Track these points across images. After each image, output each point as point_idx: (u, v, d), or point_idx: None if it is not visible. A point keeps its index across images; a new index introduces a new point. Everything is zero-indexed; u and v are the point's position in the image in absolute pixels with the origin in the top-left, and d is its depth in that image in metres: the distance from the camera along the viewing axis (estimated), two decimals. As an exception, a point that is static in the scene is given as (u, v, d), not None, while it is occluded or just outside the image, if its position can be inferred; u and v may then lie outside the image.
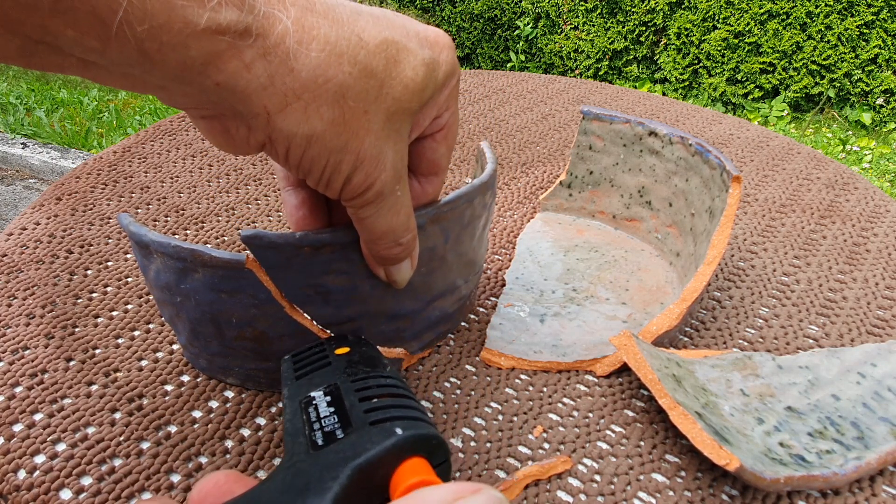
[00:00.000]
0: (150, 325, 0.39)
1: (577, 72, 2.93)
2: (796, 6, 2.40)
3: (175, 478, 0.30)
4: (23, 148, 2.43)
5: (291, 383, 0.26)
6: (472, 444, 0.32)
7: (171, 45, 0.19)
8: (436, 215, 0.31)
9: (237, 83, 0.21)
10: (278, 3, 0.21)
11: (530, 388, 0.36)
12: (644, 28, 2.71)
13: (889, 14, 2.31)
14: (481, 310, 0.42)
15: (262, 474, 0.30)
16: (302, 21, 0.22)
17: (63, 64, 0.19)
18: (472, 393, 0.35)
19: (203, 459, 0.31)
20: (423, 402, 0.35)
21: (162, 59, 0.19)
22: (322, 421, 0.22)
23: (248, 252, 0.28)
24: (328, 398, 0.24)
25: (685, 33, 2.60)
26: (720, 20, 2.54)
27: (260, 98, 0.21)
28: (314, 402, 0.23)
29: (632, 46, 2.77)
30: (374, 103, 0.24)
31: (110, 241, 0.48)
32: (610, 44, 2.77)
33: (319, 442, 0.21)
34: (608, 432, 0.33)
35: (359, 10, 0.24)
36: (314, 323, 0.31)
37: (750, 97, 2.59)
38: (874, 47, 2.35)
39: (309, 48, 0.22)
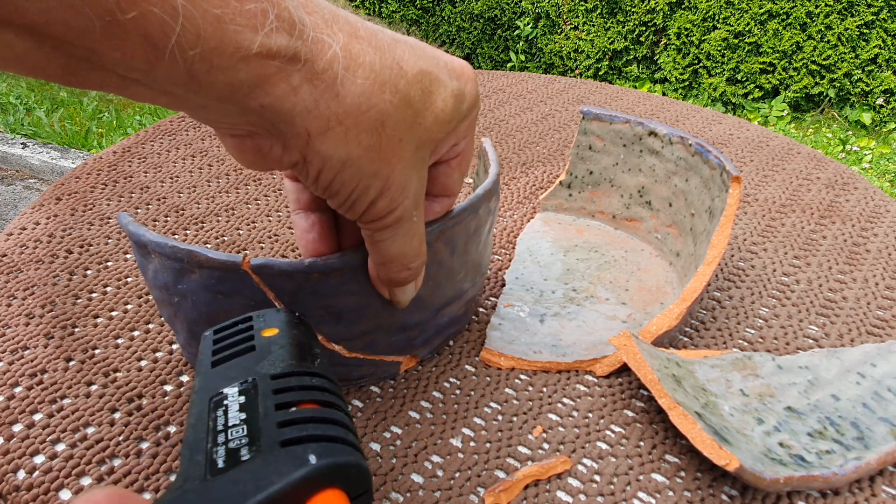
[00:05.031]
0: (150, 325, 0.39)
1: (577, 72, 2.93)
2: (796, 6, 2.40)
3: (174, 478, 0.30)
4: (23, 148, 2.43)
5: (206, 371, 0.21)
6: (472, 444, 0.32)
7: (221, 67, 0.19)
8: (442, 231, 0.31)
9: (283, 106, 0.21)
10: (327, 29, 0.21)
11: (530, 388, 0.36)
12: (644, 28, 2.71)
13: (889, 14, 2.30)
14: (481, 310, 0.42)
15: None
16: (349, 47, 0.22)
17: (103, 82, 0.19)
18: (472, 393, 0.35)
19: (202, 459, 0.31)
20: (423, 403, 0.35)
21: (210, 81, 0.19)
22: (229, 432, 0.18)
23: (245, 253, 0.28)
24: (242, 399, 0.19)
25: (685, 33, 2.60)
26: (720, 20, 2.53)
27: (303, 120, 0.21)
28: (225, 403, 0.19)
29: (632, 46, 2.77)
30: (409, 132, 0.24)
31: (110, 241, 0.48)
32: (610, 44, 2.77)
33: (220, 463, 0.17)
34: (608, 432, 0.33)
35: (396, 38, 0.24)
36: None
37: (750, 97, 2.59)
38: (874, 47, 2.34)
39: (355, 75, 0.22)
